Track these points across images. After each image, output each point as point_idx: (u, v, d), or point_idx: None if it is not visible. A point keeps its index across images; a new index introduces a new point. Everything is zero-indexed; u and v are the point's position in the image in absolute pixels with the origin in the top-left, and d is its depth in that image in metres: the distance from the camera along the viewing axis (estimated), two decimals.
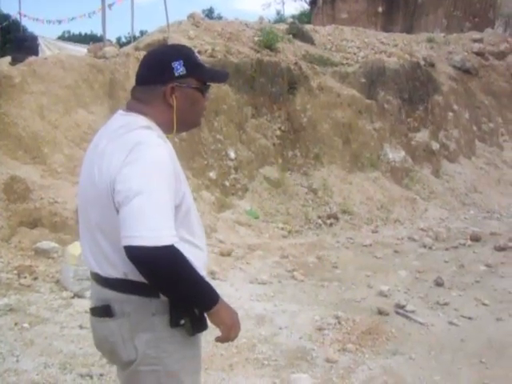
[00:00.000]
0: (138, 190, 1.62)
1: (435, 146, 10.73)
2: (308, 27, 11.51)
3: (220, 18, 28.95)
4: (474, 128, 11.64)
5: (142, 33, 23.20)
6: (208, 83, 1.97)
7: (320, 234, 8.40)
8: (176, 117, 1.88)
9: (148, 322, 1.78)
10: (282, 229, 8.11)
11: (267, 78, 9.21)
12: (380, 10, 18.33)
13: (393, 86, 10.43)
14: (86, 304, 4.35)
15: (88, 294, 4.47)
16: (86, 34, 35.18)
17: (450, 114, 11.33)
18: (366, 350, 4.38)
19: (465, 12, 16.18)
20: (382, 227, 8.91)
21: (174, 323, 1.79)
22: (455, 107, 11.41)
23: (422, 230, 8.81)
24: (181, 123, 1.90)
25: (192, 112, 1.94)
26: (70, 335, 4.24)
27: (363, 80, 10.41)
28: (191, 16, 10.48)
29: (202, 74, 1.93)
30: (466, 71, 11.73)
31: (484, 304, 5.71)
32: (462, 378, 4.11)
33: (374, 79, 10.44)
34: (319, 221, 8.67)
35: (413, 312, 5.35)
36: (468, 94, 11.71)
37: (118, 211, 1.66)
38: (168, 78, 1.85)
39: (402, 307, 5.44)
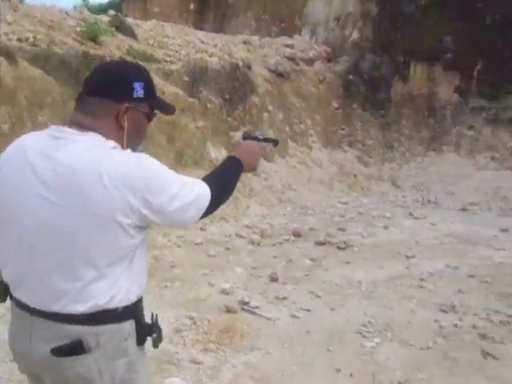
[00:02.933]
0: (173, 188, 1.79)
1: None
2: (130, 21, 11.29)
3: None
4: (287, 128, 12.39)
5: None
6: (155, 112, 1.93)
7: (150, 233, 8.30)
8: (126, 139, 1.81)
9: (123, 348, 1.76)
10: None
11: None
12: (192, 7, 18.58)
13: (214, 86, 10.70)
14: None
15: None
16: None
17: (266, 114, 11.93)
18: (226, 349, 4.52)
19: (272, 17, 17.09)
20: (209, 225, 9.10)
21: (141, 341, 1.79)
22: (270, 108, 12.04)
23: (247, 226, 9.18)
24: (128, 145, 1.82)
25: (136, 137, 1.89)
26: None
27: (186, 78, 10.51)
28: None
29: (154, 102, 1.91)
30: (280, 74, 12.44)
31: (317, 296, 6.18)
32: (316, 366, 4.44)
33: (196, 78, 10.61)
34: None
35: (257, 308, 5.61)
36: (281, 96, 12.43)
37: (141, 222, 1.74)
38: (125, 97, 1.79)
39: (247, 304, 5.68)
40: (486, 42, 13.44)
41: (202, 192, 1.84)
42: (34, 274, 1.74)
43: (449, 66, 13.90)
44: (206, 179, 1.92)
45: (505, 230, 9.97)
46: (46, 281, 1.72)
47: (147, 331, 1.85)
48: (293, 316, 5.49)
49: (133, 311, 1.79)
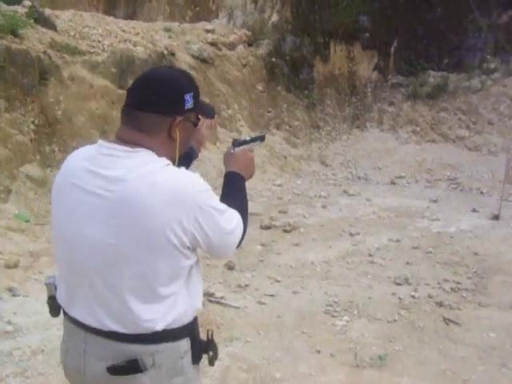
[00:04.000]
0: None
1: None
2: (48, 11, 10.80)
3: None
4: (215, 116, 12.33)
5: None
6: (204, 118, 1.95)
7: None
8: (179, 151, 1.80)
9: (179, 367, 1.75)
10: None
11: (18, 69, 8.47)
12: None
13: None
14: None
15: None
16: None
17: None
18: None
19: (186, 1, 16.83)
20: None
21: (197, 359, 1.78)
22: None
23: None
24: (178, 157, 1.82)
25: (186, 146, 1.89)
26: None
27: (114, 70, 10.23)
28: None
29: (201, 109, 1.89)
30: (204, 61, 12.33)
31: (277, 280, 6.28)
32: (297, 350, 4.55)
33: (124, 69, 10.34)
34: None
35: (223, 298, 5.63)
36: (207, 83, 12.34)
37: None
38: (178, 110, 1.75)
39: (212, 295, 5.68)
40: (401, 20, 13.93)
41: (238, 222, 1.86)
42: (89, 293, 1.70)
43: (367, 45, 14.29)
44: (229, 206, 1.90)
45: (435, 201, 10.48)
46: (101, 300, 1.69)
47: (203, 349, 1.84)
48: (260, 303, 5.56)
49: (189, 329, 1.78)
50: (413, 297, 5.83)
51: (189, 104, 1.77)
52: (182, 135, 1.78)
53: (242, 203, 1.95)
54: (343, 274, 6.62)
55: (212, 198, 1.74)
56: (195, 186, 1.71)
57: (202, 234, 1.70)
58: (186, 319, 1.76)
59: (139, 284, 1.65)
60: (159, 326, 1.68)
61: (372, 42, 14.19)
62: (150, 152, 1.70)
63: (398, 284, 6.24)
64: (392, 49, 14.22)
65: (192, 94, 1.78)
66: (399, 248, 7.65)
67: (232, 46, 13.31)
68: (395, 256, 7.27)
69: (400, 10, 13.85)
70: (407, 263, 6.97)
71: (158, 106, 1.72)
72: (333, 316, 5.29)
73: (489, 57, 13.30)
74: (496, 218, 9.05)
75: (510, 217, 9.13)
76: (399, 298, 5.80)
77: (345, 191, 11.33)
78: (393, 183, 12.25)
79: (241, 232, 1.87)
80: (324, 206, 10.01)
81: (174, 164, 1.76)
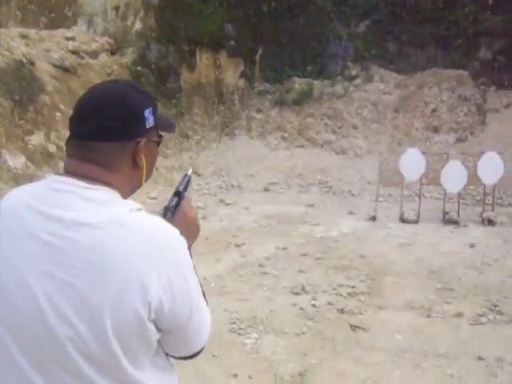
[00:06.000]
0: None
1: (52, 148, 10.39)
2: None
3: None
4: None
5: None
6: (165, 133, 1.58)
7: None
8: (145, 180, 1.46)
9: None
10: None
11: None
12: None
13: (3, 87, 9.62)
14: None
15: None
16: None
17: (58, 114, 11.10)
18: None
19: (40, 6, 15.85)
20: None
21: None
22: (62, 107, 11.23)
23: None
24: (143, 184, 1.49)
25: (151, 170, 1.51)
26: None
27: None
28: None
29: (161, 125, 1.53)
30: (66, 70, 11.63)
31: None
32: (213, 375, 4.30)
33: None
34: None
35: None
36: (71, 93, 11.64)
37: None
38: (139, 132, 1.40)
39: None
40: (265, 28, 14.11)
41: (208, 313, 1.50)
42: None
43: (233, 53, 14.30)
44: None
45: (311, 205, 10.68)
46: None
47: None
48: None
49: None
50: (314, 305, 5.79)
51: (150, 121, 1.43)
52: (148, 159, 1.44)
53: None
54: (238, 287, 6.44)
55: (190, 263, 1.39)
56: (173, 243, 1.35)
57: (168, 303, 1.30)
58: None
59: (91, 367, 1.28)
60: None
61: (238, 49, 14.24)
62: (112, 191, 1.36)
63: (296, 293, 6.18)
64: (257, 56, 14.36)
65: (151, 109, 1.45)
66: (288, 256, 7.64)
67: (94, 55, 12.70)
68: (286, 265, 7.24)
69: (264, 19, 14.03)
70: (300, 271, 6.95)
71: (114, 132, 1.36)
72: (239, 334, 5.09)
73: (350, 64, 13.88)
74: (373, 219, 9.38)
75: (386, 217, 9.52)
76: (301, 308, 5.73)
77: (221, 200, 11.21)
78: (266, 190, 12.33)
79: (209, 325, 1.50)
80: (204, 217, 9.78)
81: (126, 196, 1.44)
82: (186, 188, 1.74)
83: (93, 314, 1.23)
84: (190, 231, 1.63)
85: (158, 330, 1.32)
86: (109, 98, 1.40)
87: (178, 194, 1.68)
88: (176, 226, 1.53)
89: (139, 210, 1.35)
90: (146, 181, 1.48)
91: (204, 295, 1.48)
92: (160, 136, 1.53)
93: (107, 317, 1.23)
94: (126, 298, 1.23)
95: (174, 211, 1.63)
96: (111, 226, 1.27)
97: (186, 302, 1.34)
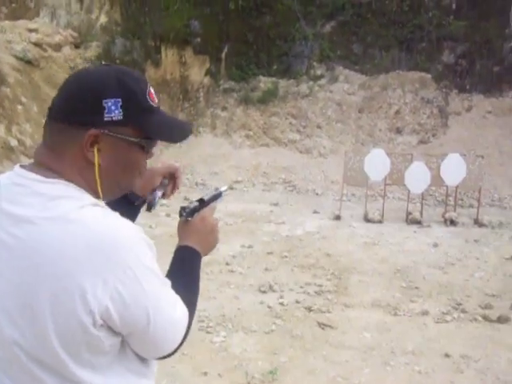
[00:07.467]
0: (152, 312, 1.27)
1: (13, 142, 10.15)
2: None
3: None
4: (43, 121, 11.46)
5: None
6: (153, 138, 1.36)
7: None
8: (100, 180, 1.29)
9: None
10: None
11: None
12: None
13: None
14: None
15: None
16: None
17: (20, 107, 10.86)
18: None
19: None
20: None
21: None
22: (24, 100, 10.98)
23: None
24: (109, 189, 1.33)
25: (125, 176, 1.35)
26: None
27: None
28: None
29: (145, 125, 1.31)
30: (29, 62, 11.38)
31: None
32: (183, 373, 4.25)
33: None
34: None
35: None
36: (33, 86, 11.40)
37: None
38: (92, 121, 1.25)
39: None
40: (231, 26, 14.06)
41: (183, 311, 1.38)
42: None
43: (199, 50, 14.21)
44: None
45: (276, 204, 10.70)
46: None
47: None
48: None
49: None
50: (281, 304, 5.80)
51: (113, 114, 1.25)
52: (108, 159, 1.29)
53: (190, 290, 1.47)
54: (205, 285, 6.37)
55: (151, 260, 1.26)
56: (128, 238, 1.22)
57: (120, 310, 1.21)
58: None
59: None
60: None
61: (204, 46, 14.15)
62: (69, 184, 1.25)
63: (263, 292, 6.18)
64: (223, 54, 14.30)
65: (119, 100, 1.26)
66: (254, 254, 7.63)
67: (58, 47, 12.46)
68: (252, 263, 7.23)
69: (231, 16, 13.97)
70: (266, 269, 6.95)
71: (64, 112, 1.25)
72: (208, 332, 5.06)
73: (315, 64, 13.94)
74: (337, 218, 9.45)
75: (350, 216, 9.60)
76: (269, 307, 5.72)
77: (186, 198, 11.08)
78: (231, 188, 12.26)
79: (185, 326, 1.39)
80: (168, 215, 9.69)
81: (99, 196, 1.31)
82: (213, 199, 1.82)
83: (36, 318, 1.17)
84: (206, 239, 1.63)
85: (116, 333, 1.24)
86: (72, 79, 1.33)
87: (201, 201, 1.72)
88: (189, 228, 1.60)
89: (94, 205, 1.23)
90: (107, 191, 1.33)
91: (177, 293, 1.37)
92: (148, 138, 1.34)
93: (49, 321, 1.17)
94: (66, 303, 1.16)
95: (191, 214, 1.64)
96: (56, 224, 1.18)
97: (140, 306, 1.23)
